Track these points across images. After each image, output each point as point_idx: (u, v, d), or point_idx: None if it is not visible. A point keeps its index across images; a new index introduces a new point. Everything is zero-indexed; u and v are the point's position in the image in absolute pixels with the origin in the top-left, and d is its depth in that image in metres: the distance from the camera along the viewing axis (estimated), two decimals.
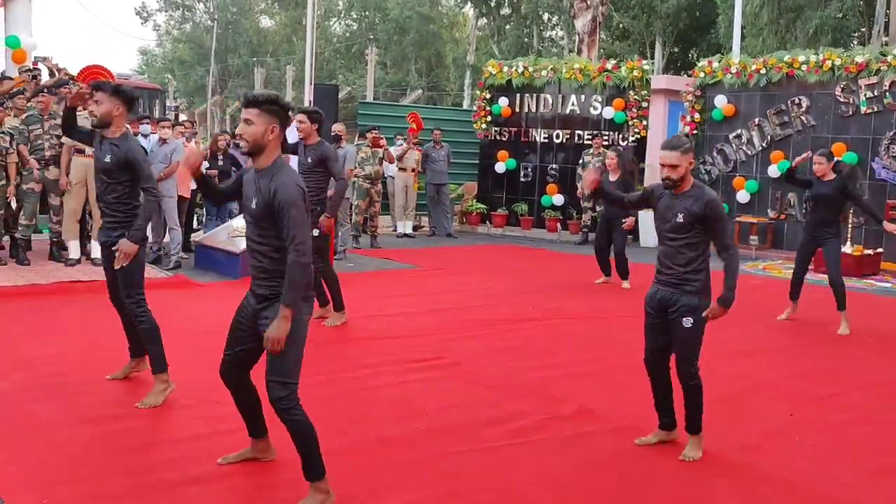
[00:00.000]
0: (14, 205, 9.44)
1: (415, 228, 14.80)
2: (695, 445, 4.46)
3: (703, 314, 4.31)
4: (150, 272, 9.20)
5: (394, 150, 13.90)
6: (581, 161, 14.45)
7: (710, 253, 4.39)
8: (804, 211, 13.16)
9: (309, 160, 7.13)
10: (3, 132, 9.02)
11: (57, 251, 9.49)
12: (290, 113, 3.73)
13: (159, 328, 5.08)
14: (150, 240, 10.32)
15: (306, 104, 12.86)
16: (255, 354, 3.85)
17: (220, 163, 11.58)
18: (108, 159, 5.00)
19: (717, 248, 4.39)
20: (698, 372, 4.40)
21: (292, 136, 9.63)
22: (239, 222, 10.20)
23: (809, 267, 8.26)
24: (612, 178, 9.90)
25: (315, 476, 3.66)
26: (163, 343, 5.07)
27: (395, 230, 14.52)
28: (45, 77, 12.47)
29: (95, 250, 9.29)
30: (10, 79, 11.62)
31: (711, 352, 6.80)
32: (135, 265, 5.04)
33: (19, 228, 9.35)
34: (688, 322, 4.33)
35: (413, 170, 14.20)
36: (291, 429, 3.61)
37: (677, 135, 4.38)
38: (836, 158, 8.10)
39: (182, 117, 13.96)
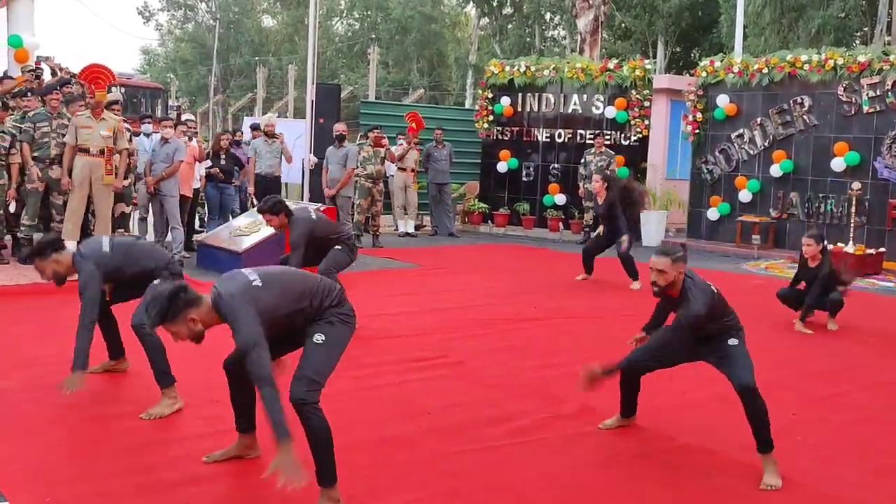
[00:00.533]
0: (13, 208, 9.42)
1: (417, 228, 14.80)
2: (771, 470, 4.20)
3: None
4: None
5: (395, 150, 13.91)
6: (583, 160, 14.44)
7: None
8: (805, 210, 13.17)
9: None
10: (3, 132, 9.02)
11: None
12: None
13: (163, 343, 4.93)
14: (153, 238, 10.36)
15: (308, 103, 12.84)
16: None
17: (223, 162, 11.65)
18: None
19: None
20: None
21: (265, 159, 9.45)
22: (240, 221, 10.21)
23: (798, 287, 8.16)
24: (600, 201, 9.90)
25: (326, 482, 3.63)
26: (167, 359, 4.93)
27: (397, 229, 14.52)
28: (47, 76, 12.49)
29: None
30: (12, 78, 11.63)
31: None
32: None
33: (21, 228, 9.35)
34: (733, 342, 4.38)
35: (412, 169, 14.19)
36: (308, 429, 3.59)
37: (672, 245, 4.45)
38: (825, 242, 7.99)
39: (188, 117, 13.97)
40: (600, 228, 10.18)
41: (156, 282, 4.90)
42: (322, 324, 3.73)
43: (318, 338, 3.69)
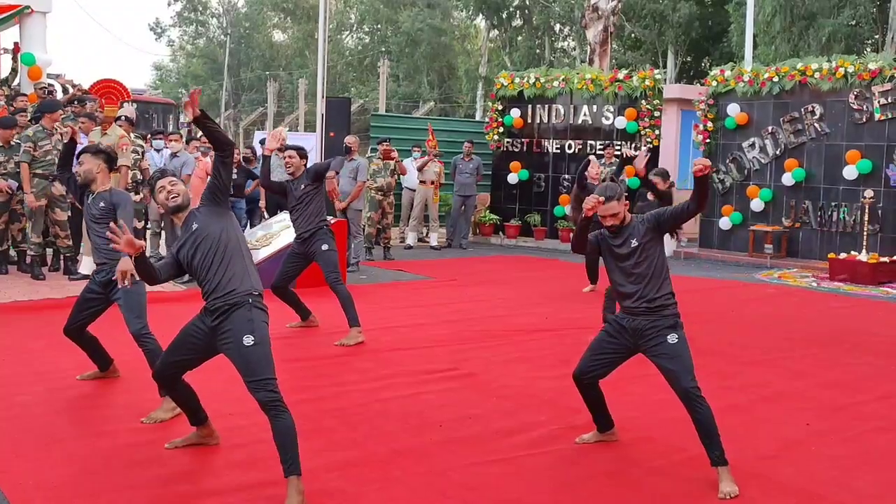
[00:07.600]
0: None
1: (419, 240, 14.72)
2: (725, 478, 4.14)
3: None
4: (166, 286, 9.23)
5: (414, 161, 13.96)
6: None
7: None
8: (818, 218, 13.11)
9: (302, 187, 7.42)
10: (13, 146, 9.11)
11: (72, 265, 9.51)
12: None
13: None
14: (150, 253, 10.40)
15: (319, 117, 12.90)
16: (192, 365, 4.28)
17: (236, 175, 11.72)
18: (101, 205, 5.33)
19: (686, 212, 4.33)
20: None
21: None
22: (254, 234, 10.24)
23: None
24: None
25: (293, 471, 3.74)
26: None
27: (403, 241, 14.47)
28: (58, 95, 12.58)
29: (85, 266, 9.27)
30: (25, 95, 11.72)
31: (725, 361, 6.78)
32: (141, 293, 5.27)
33: (30, 246, 9.38)
34: (673, 338, 4.24)
35: (432, 182, 14.19)
36: (280, 425, 3.75)
37: (607, 184, 4.38)
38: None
39: None
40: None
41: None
42: (252, 311, 3.96)
43: (248, 340, 3.86)
